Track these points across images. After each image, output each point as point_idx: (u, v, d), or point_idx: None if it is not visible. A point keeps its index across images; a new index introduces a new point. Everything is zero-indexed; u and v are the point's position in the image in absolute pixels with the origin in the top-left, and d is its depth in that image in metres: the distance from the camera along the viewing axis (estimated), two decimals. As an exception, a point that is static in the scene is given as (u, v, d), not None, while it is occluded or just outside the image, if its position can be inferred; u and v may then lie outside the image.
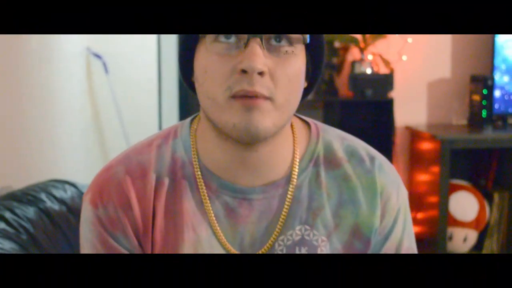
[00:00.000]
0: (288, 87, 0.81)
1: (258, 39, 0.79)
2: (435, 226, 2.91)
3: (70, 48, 2.79)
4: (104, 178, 0.90)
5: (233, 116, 0.80)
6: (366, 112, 3.31)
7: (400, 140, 3.30)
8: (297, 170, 0.90)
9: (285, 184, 0.90)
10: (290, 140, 0.92)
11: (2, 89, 1.83)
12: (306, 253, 0.88)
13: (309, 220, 0.89)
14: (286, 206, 0.89)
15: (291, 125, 0.93)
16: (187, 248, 0.88)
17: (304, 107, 3.28)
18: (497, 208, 3.04)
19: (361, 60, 3.15)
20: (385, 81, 3.09)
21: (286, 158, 0.90)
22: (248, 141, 0.83)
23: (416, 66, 3.32)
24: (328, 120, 3.26)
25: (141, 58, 3.84)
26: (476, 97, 3.10)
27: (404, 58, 3.27)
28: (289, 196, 0.89)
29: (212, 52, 0.81)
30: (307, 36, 0.83)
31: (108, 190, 0.89)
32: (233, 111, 0.80)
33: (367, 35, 3.11)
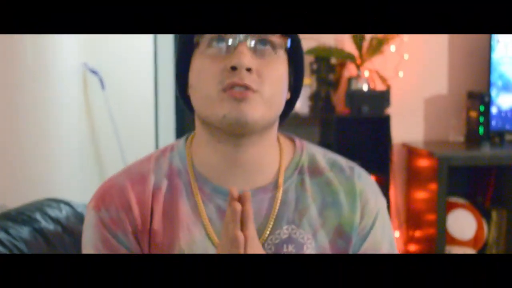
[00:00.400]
0: (273, 84, 0.91)
1: (246, 42, 0.89)
2: (433, 244, 2.89)
3: (67, 64, 2.78)
4: (106, 186, 0.99)
5: (223, 108, 0.88)
6: (363, 128, 3.29)
7: (397, 157, 3.28)
8: (283, 176, 0.99)
9: (272, 189, 0.98)
10: (276, 150, 1.00)
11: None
12: (294, 250, 0.95)
13: (295, 220, 0.97)
14: (274, 209, 0.97)
15: (278, 139, 1.02)
16: (183, 247, 0.95)
17: (301, 124, 3.29)
18: (495, 226, 3.03)
19: (358, 77, 3.15)
20: (382, 98, 3.08)
21: (273, 165, 0.99)
22: (238, 131, 0.91)
23: (413, 83, 3.32)
24: (325, 136, 3.24)
25: (138, 74, 3.83)
26: (473, 114, 3.10)
27: (401, 74, 3.27)
28: (276, 199, 0.97)
29: (205, 56, 0.91)
30: (288, 41, 0.93)
31: (110, 195, 0.97)
32: (224, 103, 0.89)
33: (364, 51, 3.11)
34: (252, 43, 0.91)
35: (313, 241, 0.96)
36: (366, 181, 1.02)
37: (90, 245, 0.96)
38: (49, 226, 1.39)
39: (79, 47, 3.06)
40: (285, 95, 0.95)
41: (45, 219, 1.41)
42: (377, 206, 1.01)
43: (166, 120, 4.68)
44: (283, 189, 0.98)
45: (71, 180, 2.77)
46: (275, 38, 0.92)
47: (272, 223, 0.96)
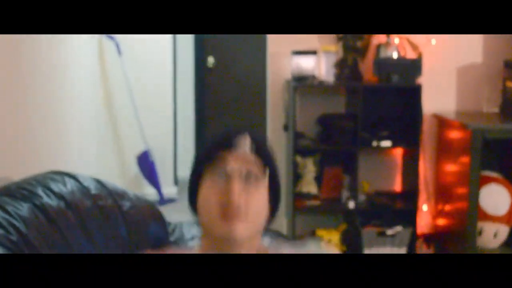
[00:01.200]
0: (257, 211, 1.23)
1: (237, 175, 1.21)
2: (464, 219, 2.77)
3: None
4: None
5: (219, 227, 1.21)
6: (392, 98, 3.17)
7: (427, 128, 3.15)
8: None
9: None
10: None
11: (8, 73, 1.70)
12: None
13: None
14: None
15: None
16: None
17: (326, 92, 3.17)
18: (531, 203, 2.88)
19: (387, 44, 3.02)
20: (413, 66, 2.96)
21: None
22: (230, 243, 1.22)
23: (446, 51, 3.17)
24: (351, 106, 3.11)
25: (156, 39, 3.71)
26: (510, 84, 2.94)
27: (433, 42, 3.12)
28: None
29: (209, 187, 1.23)
30: (267, 171, 1.25)
31: None
32: (220, 224, 1.20)
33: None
34: (242, 175, 1.21)
35: None
36: None
37: None
38: (52, 201, 1.29)
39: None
40: (265, 210, 1.25)
41: (48, 194, 1.31)
42: None
43: (185, 86, 4.57)
44: None
45: (86, 152, 2.68)
46: (258, 171, 1.24)
47: None
